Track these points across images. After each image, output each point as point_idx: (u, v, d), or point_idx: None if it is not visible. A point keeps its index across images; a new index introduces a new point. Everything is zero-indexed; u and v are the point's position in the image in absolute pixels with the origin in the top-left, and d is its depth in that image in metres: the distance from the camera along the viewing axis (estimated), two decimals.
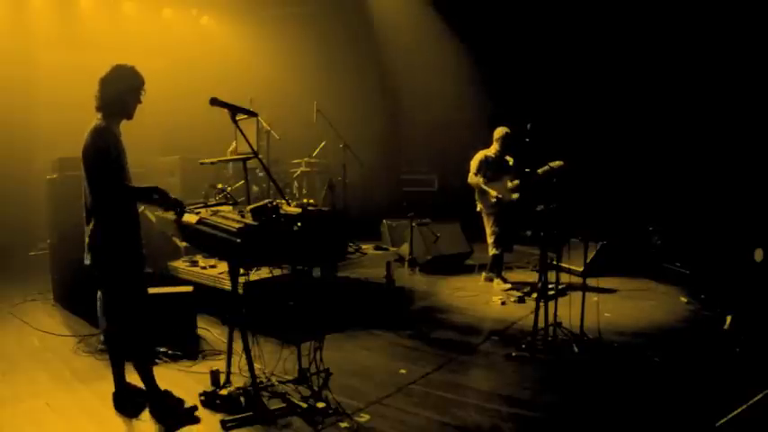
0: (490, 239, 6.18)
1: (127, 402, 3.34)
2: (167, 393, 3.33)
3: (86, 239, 3.22)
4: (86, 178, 3.19)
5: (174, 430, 3.12)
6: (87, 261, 3.23)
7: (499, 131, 6.18)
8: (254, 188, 6.62)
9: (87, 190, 3.20)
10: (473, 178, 6.18)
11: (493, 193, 5.99)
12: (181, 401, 3.30)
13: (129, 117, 3.30)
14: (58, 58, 7.92)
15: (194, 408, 3.28)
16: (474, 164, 6.21)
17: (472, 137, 9.11)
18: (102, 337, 4.49)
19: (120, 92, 3.20)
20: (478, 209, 6.26)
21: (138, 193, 3.29)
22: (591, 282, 4.91)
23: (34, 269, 6.68)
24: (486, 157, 6.18)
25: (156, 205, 3.45)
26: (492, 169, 6.14)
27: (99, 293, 3.52)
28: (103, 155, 3.09)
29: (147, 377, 3.31)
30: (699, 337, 4.66)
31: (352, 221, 6.73)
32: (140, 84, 3.27)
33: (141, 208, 4.15)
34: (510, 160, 6.20)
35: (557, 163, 4.87)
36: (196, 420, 3.20)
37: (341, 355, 4.17)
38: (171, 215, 3.40)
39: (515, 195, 5.97)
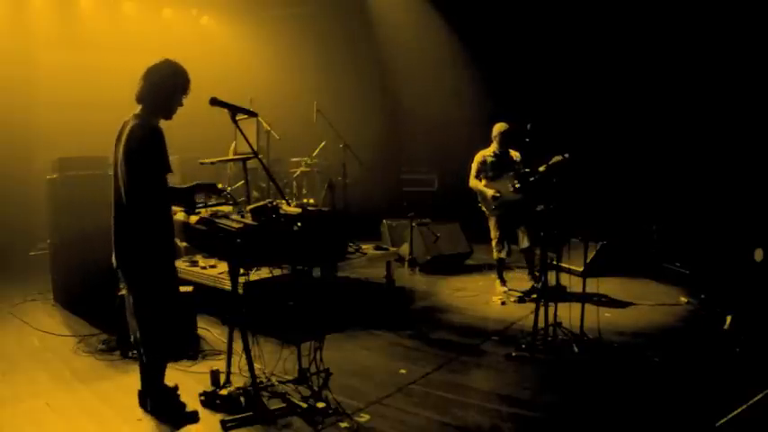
0: (493, 243, 6.12)
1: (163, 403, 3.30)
2: (173, 392, 3.33)
3: (115, 240, 3.12)
4: (124, 178, 3.04)
5: (175, 430, 3.12)
6: (115, 263, 3.15)
7: (497, 128, 5.96)
8: (255, 194, 6.60)
9: (122, 188, 3.05)
10: (473, 182, 6.04)
11: (490, 191, 5.84)
12: (183, 405, 3.29)
13: (168, 117, 3.20)
14: (58, 58, 7.93)
15: (195, 412, 3.26)
16: (473, 167, 6.05)
17: (472, 135, 9.09)
18: (101, 338, 4.51)
19: (165, 87, 3.11)
20: (483, 209, 6.16)
21: (177, 194, 3.26)
22: (591, 283, 4.90)
23: (34, 269, 6.68)
24: (485, 158, 6.01)
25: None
26: (493, 169, 5.94)
27: (126, 294, 3.35)
28: (153, 155, 3.01)
29: (159, 376, 3.27)
30: (699, 337, 4.66)
31: (352, 221, 6.73)
32: (186, 84, 3.18)
33: None
34: (516, 155, 6.00)
35: (556, 158, 4.74)
36: (195, 420, 3.20)
37: (341, 355, 4.17)
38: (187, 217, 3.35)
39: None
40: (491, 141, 6.09)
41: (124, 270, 3.16)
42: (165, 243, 3.15)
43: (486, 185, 5.94)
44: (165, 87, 3.12)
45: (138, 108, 3.13)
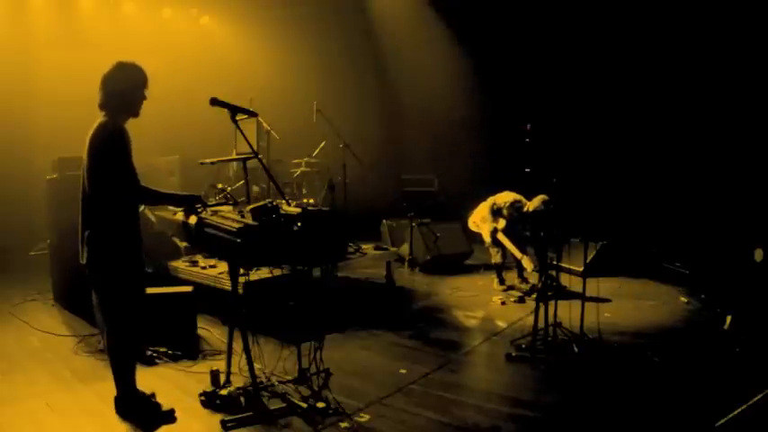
0: (491, 248, 6.20)
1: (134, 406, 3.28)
2: (146, 397, 3.31)
3: (82, 238, 3.13)
4: (88, 176, 3.07)
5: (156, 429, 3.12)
6: (83, 260, 3.14)
7: (540, 199, 5.58)
8: (255, 189, 6.61)
9: (87, 188, 3.08)
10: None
11: (487, 238, 6.06)
12: (158, 405, 3.28)
13: (136, 115, 3.23)
14: (57, 57, 7.92)
15: (171, 411, 3.25)
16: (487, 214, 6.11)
17: (472, 136, 9.15)
18: (101, 338, 4.51)
19: (125, 89, 3.14)
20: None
21: (161, 198, 3.27)
22: (591, 284, 4.90)
23: (34, 269, 6.68)
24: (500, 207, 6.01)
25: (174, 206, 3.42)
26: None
27: (93, 295, 3.38)
28: (115, 153, 3.00)
29: (128, 378, 3.24)
30: (699, 337, 4.66)
31: (352, 221, 6.73)
32: (144, 80, 3.20)
33: (141, 208, 4.09)
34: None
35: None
36: (173, 420, 3.19)
37: (341, 355, 4.17)
38: (191, 218, 3.34)
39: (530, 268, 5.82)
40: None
41: (90, 268, 3.14)
42: (127, 244, 3.12)
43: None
44: (122, 91, 3.14)
45: (102, 113, 3.15)
